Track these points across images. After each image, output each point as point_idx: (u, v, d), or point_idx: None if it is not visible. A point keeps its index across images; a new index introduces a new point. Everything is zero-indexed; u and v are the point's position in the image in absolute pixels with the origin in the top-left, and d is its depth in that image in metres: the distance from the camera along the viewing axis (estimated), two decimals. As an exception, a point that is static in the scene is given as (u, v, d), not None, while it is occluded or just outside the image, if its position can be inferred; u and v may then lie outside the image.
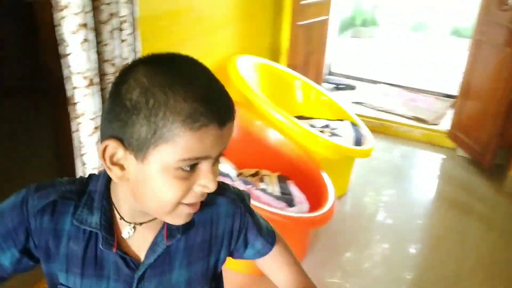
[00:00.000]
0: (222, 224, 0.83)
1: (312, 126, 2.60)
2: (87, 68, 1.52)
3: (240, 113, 2.35)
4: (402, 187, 2.94)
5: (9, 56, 3.52)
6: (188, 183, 0.66)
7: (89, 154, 1.64)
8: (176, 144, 0.61)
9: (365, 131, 2.70)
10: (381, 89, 4.38)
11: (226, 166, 2.06)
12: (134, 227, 0.75)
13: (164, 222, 0.75)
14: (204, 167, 0.66)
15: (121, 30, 1.63)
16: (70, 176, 1.74)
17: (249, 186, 1.93)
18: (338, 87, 4.35)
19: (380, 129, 3.57)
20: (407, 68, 5.30)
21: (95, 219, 0.72)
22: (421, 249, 2.37)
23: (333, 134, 2.57)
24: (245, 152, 2.34)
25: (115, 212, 0.74)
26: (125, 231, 0.75)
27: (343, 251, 2.27)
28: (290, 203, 1.94)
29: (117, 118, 0.63)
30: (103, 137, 0.66)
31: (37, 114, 3.31)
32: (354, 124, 2.75)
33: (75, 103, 1.56)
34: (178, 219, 0.70)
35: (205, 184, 0.66)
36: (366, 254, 2.26)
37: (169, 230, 0.76)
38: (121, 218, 0.74)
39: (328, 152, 2.39)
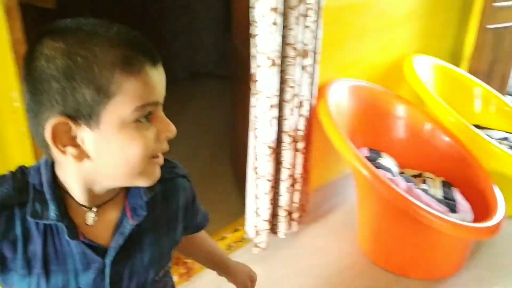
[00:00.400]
0: (181, 196, 0.82)
1: (488, 136, 2.41)
2: (272, 50, 1.65)
3: (410, 113, 2.31)
4: None
5: (205, 44, 3.95)
6: (151, 134, 0.64)
7: (262, 129, 1.78)
8: (124, 94, 0.59)
9: (553, 149, 2.40)
10: None
11: (388, 161, 2.04)
12: (96, 211, 0.70)
13: (125, 201, 0.73)
14: (158, 114, 0.65)
15: (306, 16, 1.73)
16: (243, 146, 1.90)
17: (410, 184, 1.88)
18: (524, 102, 3.92)
19: None
20: None
21: (52, 211, 0.66)
22: None
23: (512, 148, 2.34)
24: (409, 152, 2.28)
25: (71, 199, 0.69)
26: (89, 216, 0.70)
27: (506, 282, 2.05)
28: (452, 209, 1.84)
29: (49, 98, 0.58)
30: (41, 125, 0.60)
31: (219, 94, 3.72)
32: (539, 141, 2.47)
33: (256, 81, 1.71)
34: (152, 176, 0.68)
35: (166, 128, 0.66)
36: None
37: (132, 209, 0.72)
38: (81, 205, 0.69)
39: (503, 165, 2.19)
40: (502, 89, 3.34)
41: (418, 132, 2.31)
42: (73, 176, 0.66)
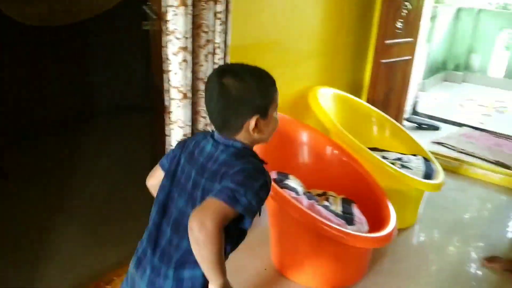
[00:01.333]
0: None
1: (384, 157, 2.71)
2: (183, 84, 1.82)
3: (313, 139, 2.56)
4: (471, 229, 2.91)
5: (129, 78, 4.05)
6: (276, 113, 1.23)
7: (177, 157, 1.93)
8: (276, 98, 1.18)
9: (437, 166, 2.76)
10: (465, 132, 4.34)
11: (294, 182, 2.25)
12: None
13: None
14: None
15: (214, 54, 1.93)
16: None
17: (312, 201, 2.10)
18: (420, 127, 4.39)
19: (459, 170, 3.56)
20: (498, 113, 5.19)
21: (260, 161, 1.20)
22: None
23: (404, 167, 2.66)
24: (314, 174, 2.52)
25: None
26: None
27: (403, 286, 2.31)
28: (349, 221, 2.07)
29: (249, 106, 1.12)
30: (239, 120, 1.13)
31: (141, 125, 3.83)
32: (427, 160, 2.82)
33: (170, 112, 1.87)
34: None
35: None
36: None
37: None
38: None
39: (396, 182, 2.49)
40: (398, 115, 3.74)
41: (321, 156, 2.56)
42: (248, 141, 1.17)
